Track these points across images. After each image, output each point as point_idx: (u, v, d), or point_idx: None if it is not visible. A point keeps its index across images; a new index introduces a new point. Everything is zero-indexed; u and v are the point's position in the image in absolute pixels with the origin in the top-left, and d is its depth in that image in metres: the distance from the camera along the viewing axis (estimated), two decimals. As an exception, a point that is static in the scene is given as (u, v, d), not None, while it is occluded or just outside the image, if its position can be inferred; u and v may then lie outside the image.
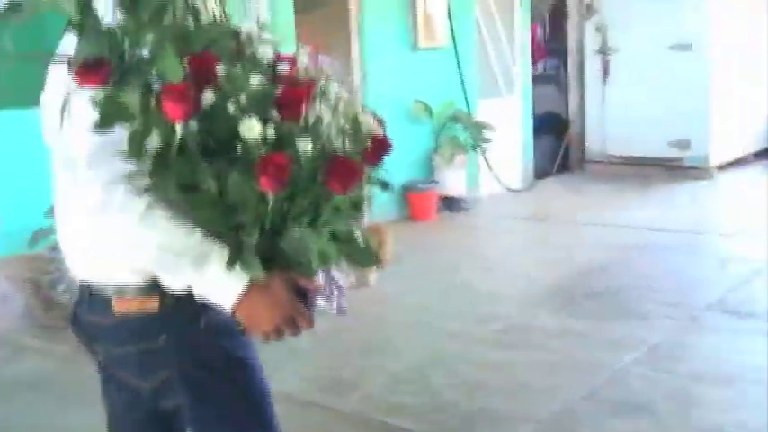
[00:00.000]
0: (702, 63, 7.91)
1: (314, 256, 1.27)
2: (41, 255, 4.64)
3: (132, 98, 1.15)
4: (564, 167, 9.00)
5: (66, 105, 1.18)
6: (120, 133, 1.18)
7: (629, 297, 4.62)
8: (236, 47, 1.29)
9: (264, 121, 1.20)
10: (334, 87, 1.34)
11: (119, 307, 1.39)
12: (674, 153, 8.16)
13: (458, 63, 7.21)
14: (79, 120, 1.19)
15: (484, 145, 7.21)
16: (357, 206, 1.35)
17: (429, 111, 7.01)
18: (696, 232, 6.06)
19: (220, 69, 1.21)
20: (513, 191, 7.91)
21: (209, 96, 1.18)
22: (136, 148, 1.18)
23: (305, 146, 1.22)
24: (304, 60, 1.35)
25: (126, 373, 1.45)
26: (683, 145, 8.10)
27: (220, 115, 1.19)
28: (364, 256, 1.38)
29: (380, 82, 6.58)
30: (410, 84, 6.87)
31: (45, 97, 1.43)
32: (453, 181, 7.10)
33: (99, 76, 1.14)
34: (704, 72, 7.92)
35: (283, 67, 1.32)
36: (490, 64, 7.94)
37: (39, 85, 1.45)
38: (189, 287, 1.29)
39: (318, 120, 1.29)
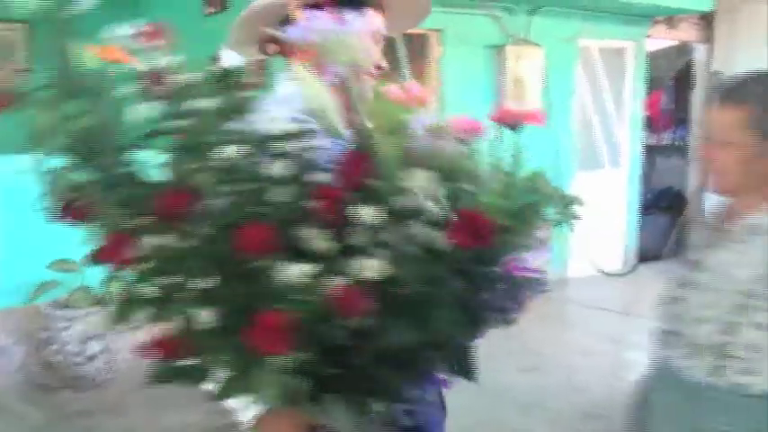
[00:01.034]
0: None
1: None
2: (44, 310, 4.45)
3: None
4: (678, 251, 8.03)
5: None
6: None
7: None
8: None
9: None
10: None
11: None
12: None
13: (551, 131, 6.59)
14: None
15: (572, 221, 6.49)
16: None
17: (510, 180, 6.41)
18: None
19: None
20: (609, 275, 7.09)
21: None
22: None
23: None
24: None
25: None
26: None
27: None
28: None
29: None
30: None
31: None
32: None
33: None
34: None
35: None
36: (593, 133, 7.22)
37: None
38: None
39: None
